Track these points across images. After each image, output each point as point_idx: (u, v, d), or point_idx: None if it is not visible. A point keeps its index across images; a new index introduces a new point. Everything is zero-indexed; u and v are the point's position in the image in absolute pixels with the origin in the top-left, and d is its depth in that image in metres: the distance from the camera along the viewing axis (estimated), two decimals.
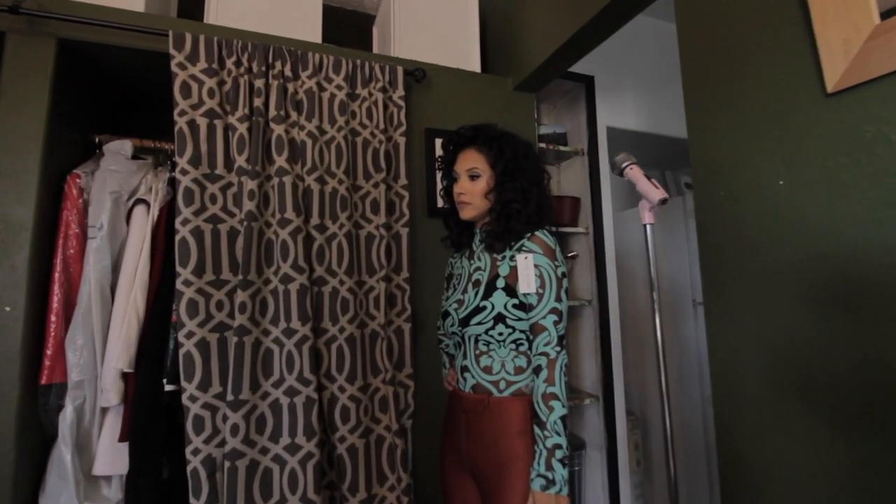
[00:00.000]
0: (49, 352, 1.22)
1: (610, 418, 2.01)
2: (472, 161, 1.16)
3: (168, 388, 1.25)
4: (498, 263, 1.13)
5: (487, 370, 1.09)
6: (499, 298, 1.08)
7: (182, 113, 1.27)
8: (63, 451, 1.19)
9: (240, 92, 1.33)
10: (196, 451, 1.19)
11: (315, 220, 1.37)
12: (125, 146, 1.38)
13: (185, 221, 1.24)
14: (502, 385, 1.08)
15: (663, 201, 0.96)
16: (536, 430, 1.00)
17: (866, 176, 0.74)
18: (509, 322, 1.07)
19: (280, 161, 1.33)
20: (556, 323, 1.04)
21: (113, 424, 1.24)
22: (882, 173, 0.72)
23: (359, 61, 1.51)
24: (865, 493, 0.73)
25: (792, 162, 0.86)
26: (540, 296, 1.05)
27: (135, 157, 1.42)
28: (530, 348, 1.08)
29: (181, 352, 1.20)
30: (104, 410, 1.25)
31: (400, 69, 1.55)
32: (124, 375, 1.24)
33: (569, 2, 1.49)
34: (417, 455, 1.47)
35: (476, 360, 1.11)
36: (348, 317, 1.36)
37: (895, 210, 0.71)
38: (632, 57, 2.36)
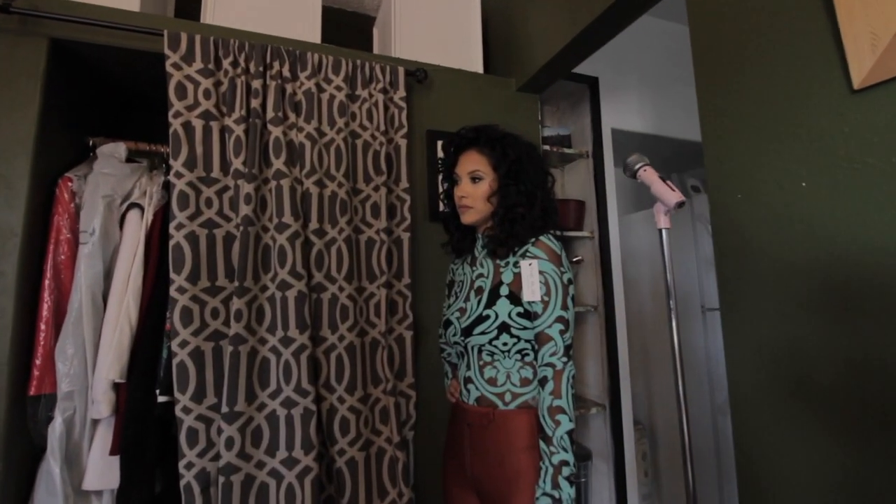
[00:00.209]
0: (38, 361, 1.18)
1: (617, 428, 1.96)
2: (474, 163, 1.12)
3: (161, 399, 1.21)
4: (501, 270, 1.08)
5: (492, 382, 1.05)
6: (503, 307, 1.04)
7: (177, 114, 1.23)
8: (52, 465, 1.15)
9: (236, 93, 1.29)
10: (189, 465, 1.14)
11: (314, 224, 1.33)
12: (119, 149, 1.35)
13: (180, 226, 1.20)
14: (508, 397, 1.03)
15: (680, 204, 0.91)
16: (542, 445, 0.95)
17: None
18: (514, 331, 1.03)
19: (278, 164, 1.29)
20: (562, 332, 1.00)
21: (104, 437, 1.20)
22: None
23: (359, 62, 1.47)
24: None
25: (815, 163, 0.81)
26: (545, 304, 1.00)
27: (129, 160, 1.38)
28: (536, 358, 1.03)
29: (174, 361, 1.16)
30: (95, 422, 1.21)
31: (401, 70, 1.52)
32: (116, 386, 1.20)
33: (572, 2, 1.46)
34: (419, 468, 1.42)
35: (480, 372, 1.07)
36: (348, 324, 1.31)
37: None
38: (637, 58, 2.32)
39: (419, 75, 1.56)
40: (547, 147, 2.06)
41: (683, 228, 2.31)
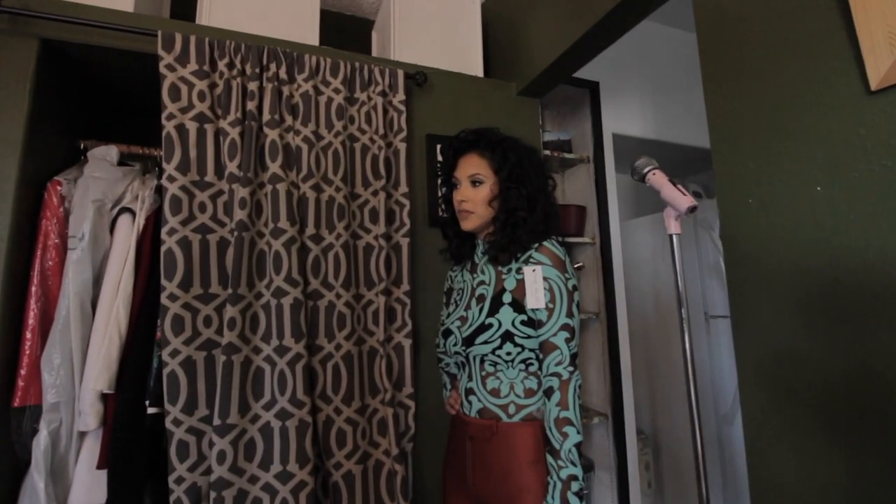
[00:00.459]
0: (23, 371, 1.14)
1: (619, 437, 1.92)
2: (474, 166, 1.09)
3: (151, 410, 1.16)
4: (503, 276, 1.05)
5: (495, 393, 1.01)
6: (506, 315, 1.00)
7: (170, 117, 1.20)
8: (36, 479, 1.11)
9: (232, 95, 1.26)
10: (180, 480, 1.10)
11: (310, 229, 1.29)
12: (111, 152, 1.31)
13: (172, 231, 1.16)
14: (511, 409, 0.99)
15: (692, 209, 0.88)
16: (549, 459, 0.91)
17: None
18: (518, 340, 0.99)
19: (274, 167, 1.26)
20: (567, 340, 0.96)
21: (91, 450, 1.16)
22: None
23: (357, 64, 1.44)
24: None
25: (831, 167, 0.78)
26: (550, 311, 0.97)
27: (122, 163, 1.35)
28: (540, 368, 0.99)
29: (165, 371, 1.12)
30: (82, 435, 1.17)
31: (400, 72, 1.49)
32: (104, 397, 1.16)
33: (573, 6, 1.44)
34: (418, 482, 1.38)
35: (482, 382, 1.03)
36: (345, 333, 1.28)
37: None
38: (637, 63, 2.31)
39: (419, 78, 1.54)
40: (547, 152, 2.04)
41: (686, 234, 2.28)
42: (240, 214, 1.20)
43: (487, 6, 1.94)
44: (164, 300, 1.13)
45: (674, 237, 0.91)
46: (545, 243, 1.02)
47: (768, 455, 0.87)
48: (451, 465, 1.10)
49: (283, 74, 1.33)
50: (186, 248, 1.17)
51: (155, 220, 1.26)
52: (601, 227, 2.04)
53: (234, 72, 1.28)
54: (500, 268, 1.06)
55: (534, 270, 0.98)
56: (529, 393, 0.99)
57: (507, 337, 0.99)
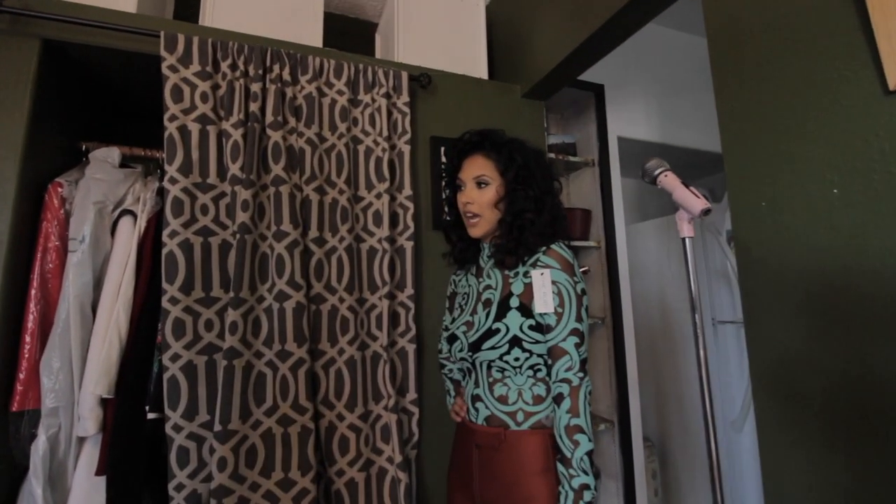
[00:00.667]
0: (22, 375, 1.12)
1: (626, 445, 1.89)
2: (479, 168, 1.07)
3: (151, 416, 1.14)
4: (510, 280, 1.03)
5: (503, 400, 0.99)
6: (513, 319, 0.98)
7: (172, 118, 1.19)
8: (34, 485, 1.09)
9: (235, 96, 1.25)
10: (180, 487, 1.08)
11: (313, 232, 1.28)
12: (112, 154, 1.30)
13: (174, 234, 1.15)
14: (520, 417, 0.97)
15: (706, 212, 0.86)
16: (560, 467, 0.89)
17: None
18: (526, 345, 0.97)
19: (277, 169, 1.25)
20: (577, 345, 0.94)
21: (90, 456, 1.14)
22: None
23: (361, 66, 1.43)
24: None
25: (847, 169, 0.76)
26: (559, 316, 0.95)
27: (123, 165, 1.34)
28: (549, 374, 0.97)
29: (165, 376, 1.10)
30: (81, 440, 1.15)
31: (404, 74, 1.48)
32: (103, 402, 1.14)
33: (578, 8, 1.43)
34: (422, 490, 1.35)
35: (489, 389, 1.01)
36: (348, 337, 1.26)
37: None
38: (642, 66, 2.30)
39: (423, 80, 1.52)
40: (552, 155, 2.02)
41: (696, 238, 2.26)
42: (242, 217, 1.18)
43: (492, 8, 1.93)
44: (164, 303, 1.11)
45: (686, 241, 0.89)
46: (553, 246, 1.00)
47: (783, 465, 0.84)
48: (456, 474, 1.07)
49: (286, 76, 1.32)
50: (188, 251, 1.16)
51: (156, 223, 1.25)
52: (606, 231, 2.02)
53: (237, 73, 1.27)
54: (506, 271, 1.04)
55: (542, 274, 0.96)
56: (538, 400, 0.97)
57: (515, 342, 0.97)
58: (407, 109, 1.47)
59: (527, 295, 0.99)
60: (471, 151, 1.10)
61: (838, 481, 0.75)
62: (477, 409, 1.02)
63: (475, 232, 1.07)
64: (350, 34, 2.10)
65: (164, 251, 1.13)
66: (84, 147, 1.33)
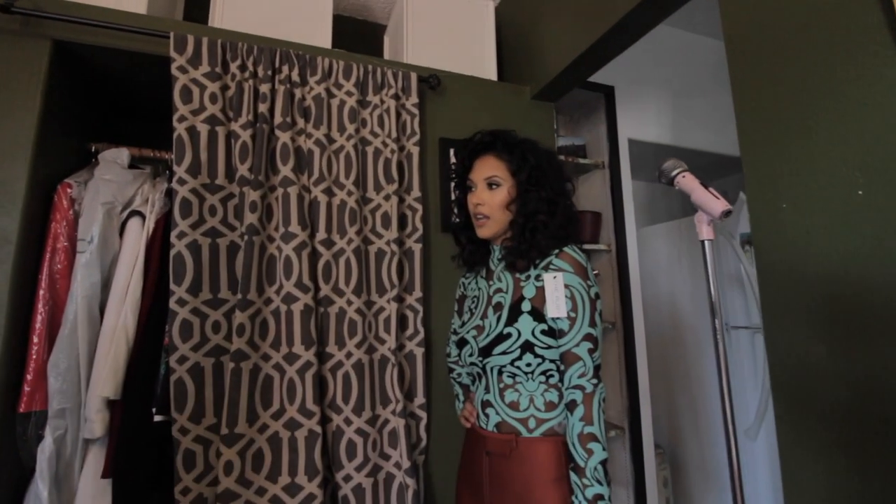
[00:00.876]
0: (29, 376, 1.11)
1: (637, 452, 1.85)
2: (490, 168, 1.05)
3: (157, 418, 1.13)
4: (522, 284, 1.01)
5: (514, 406, 0.96)
6: (525, 324, 0.96)
7: (181, 119, 1.18)
8: (40, 487, 1.08)
9: (244, 97, 1.24)
10: (186, 491, 1.07)
11: (321, 234, 1.27)
12: (121, 155, 1.30)
13: (182, 235, 1.14)
14: (531, 424, 0.94)
15: (727, 213, 0.84)
16: (573, 476, 0.87)
17: None
18: (538, 351, 0.95)
19: (285, 171, 1.24)
20: (590, 351, 0.92)
21: (96, 458, 1.13)
22: None
23: (370, 67, 1.42)
24: None
25: (872, 169, 0.74)
26: (572, 320, 0.93)
27: (132, 166, 1.33)
28: (561, 380, 0.95)
29: (172, 378, 1.09)
30: (87, 442, 1.14)
31: (413, 75, 1.47)
32: (110, 404, 1.13)
33: (588, 9, 1.42)
34: (430, 497, 1.33)
35: (500, 395, 0.98)
36: (356, 340, 1.24)
37: None
38: (653, 68, 2.27)
39: (432, 81, 1.51)
40: (561, 157, 2.00)
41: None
42: (250, 218, 1.18)
43: (501, 9, 1.92)
44: (172, 305, 1.11)
45: (706, 243, 0.87)
46: (566, 249, 0.98)
47: (804, 476, 0.81)
48: (465, 481, 1.05)
49: (295, 77, 1.31)
50: (196, 252, 1.15)
51: (165, 224, 1.24)
52: (617, 235, 1.99)
53: (246, 74, 1.26)
54: (517, 275, 1.02)
55: (554, 277, 0.94)
56: (550, 406, 0.95)
57: (527, 347, 0.94)
58: (416, 111, 1.45)
59: (539, 299, 0.97)
60: (482, 152, 1.08)
61: (862, 493, 0.72)
62: (487, 415, 1.00)
63: (483, 232, 1.06)
64: (358, 36, 2.09)
65: (172, 252, 1.12)
66: (93, 148, 1.34)
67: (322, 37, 1.52)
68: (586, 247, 1.98)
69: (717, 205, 0.83)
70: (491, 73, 1.75)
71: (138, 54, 1.26)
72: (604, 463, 0.85)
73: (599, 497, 0.83)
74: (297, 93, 1.31)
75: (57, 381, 1.11)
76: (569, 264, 0.96)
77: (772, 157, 0.88)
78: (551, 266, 0.97)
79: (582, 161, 2.07)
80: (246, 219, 1.18)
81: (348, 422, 1.20)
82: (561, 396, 0.95)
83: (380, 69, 1.43)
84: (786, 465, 0.84)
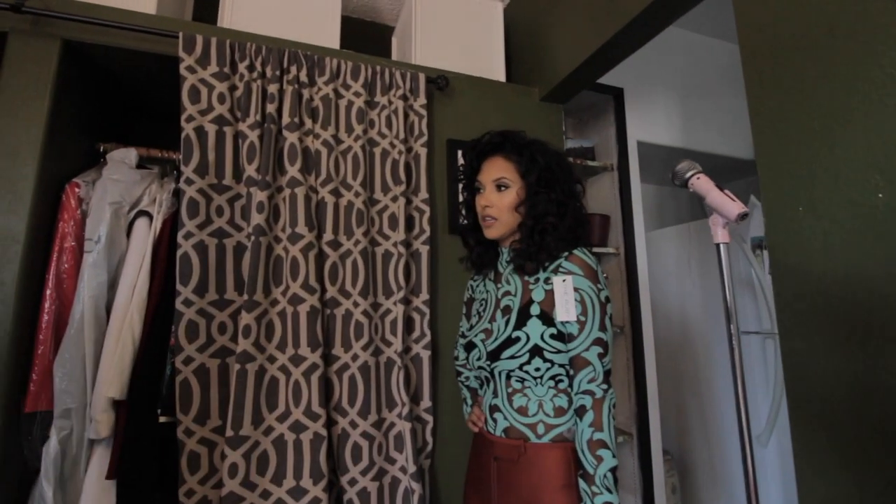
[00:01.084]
0: (35, 376, 1.11)
1: (645, 458, 1.83)
2: (499, 170, 1.04)
3: (162, 419, 1.13)
4: (531, 287, 0.99)
5: (522, 411, 0.95)
6: (534, 328, 0.94)
7: (189, 119, 1.18)
8: (45, 488, 1.08)
9: (252, 97, 1.24)
10: (190, 493, 1.06)
11: (328, 235, 1.26)
12: (130, 154, 1.29)
13: (189, 235, 1.14)
14: (540, 429, 0.93)
15: (743, 216, 0.82)
16: (582, 484, 0.85)
17: None
18: (547, 355, 0.93)
19: (292, 171, 1.23)
20: (601, 356, 0.90)
21: (101, 459, 1.13)
22: None
23: (378, 68, 1.41)
24: None
25: (893, 171, 0.72)
26: (581, 324, 0.91)
27: (140, 166, 1.33)
28: (571, 385, 0.93)
29: (178, 379, 1.08)
30: (92, 443, 1.14)
31: (422, 76, 1.46)
32: (115, 404, 1.12)
33: (597, 11, 1.41)
34: (436, 501, 1.31)
35: (509, 400, 0.97)
36: (362, 343, 1.23)
37: None
38: (662, 70, 2.25)
39: (440, 83, 1.50)
40: (569, 159, 1.98)
41: (710, 245, 2.20)
42: (257, 219, 1.17)
43: (510, 10, 1.91)
44: (178, 305, 1.10)
45: (721, 246, 0.85)
46: (575, 252, 0.96)
47: (820, 486, 0.79)
48: (473, 487, 1.03)
49: (303, 77, 1.31)
50: (202, 253, 1.15)
51: (172, 224, 1.24)
52: (626, 238, 1.97)
53: (255, 74, 1.26)
54: (526, 277, 1.01)
55: (564, 281, 0.92)
56: (560, 412, 0.93)
57: (536, 351, 0.93)
58: (424, 112, 1.44)
59: (548, 302, 0.95)
60: (491, 153, 1.07)
61: None
62: (495, 420, 0.98)
63: (491, 233, 1.04)
64: (366, 38, 2.09)
65: (179, 252, 1.12)
66: (101, 148, 1.34)
67: (330, 37, 1.52)
68: (595, 250, 1.96)
69: (734, 207, 0.81)
70: (499, 74, 1.74)
71: (147, 54, 1.26)
72: (613, 470, 0.83)
73: None
74: (305, 93, 1.31)
75: (62, 382, 1.10)
76: (578, 267, 0.94)
77: (788, 159, 0.86)
78: (560, 269, 0.95)
79: (590, 163, 2.05)
80: (253, 219, 1.17)
81: (354, 425, 1.19)
82: (570, 402, 0.93)
83: (388, 70, 1.42)
84: (801, 475, 0.82)
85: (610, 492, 0.82)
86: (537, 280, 0.99)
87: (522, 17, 1.88)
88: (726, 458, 2.02)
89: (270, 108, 1.24)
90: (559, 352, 0.93)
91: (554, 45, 1.65)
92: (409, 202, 1.40)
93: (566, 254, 0.96)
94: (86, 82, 1.33)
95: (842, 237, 0.78)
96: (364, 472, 1.18)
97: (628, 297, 1.93)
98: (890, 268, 0.71)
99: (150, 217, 1.25)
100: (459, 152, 1.52)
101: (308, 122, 1.30)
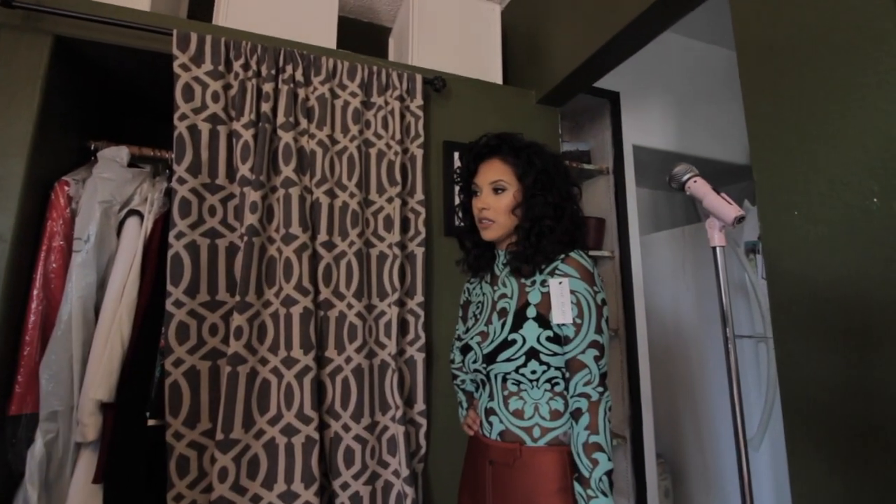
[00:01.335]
0: (20, 378, 1.09)
1: (638, 462, 1.83)
2: (496, 172, 1.03)
3: (151, 422, 1.11)
4: (527, 289, 0.99)
5: (518, 414, 0.94)
6: (530, 330, 0.93)
7: (183, 117, 1.16)
8: (30, 492, 1.06)
9: (246, 96, 1.22)
10: (179, 497, 1.04)
11: (323, 236, 1.25)
12: (121, 153, 1.28)
13: (180, 235, 1.12)
14: (536, 432, 0.92)
15: (740, 219, 0.82)
16: (577, 487, 0.84)
17: None
18: (543, 358, 0.92)
19: (287, 171, 1.22)
20: (596, 358, 0.89)
21: (87, 463, 1.10)
22: None
23: (375, 68, 1.41)
24: None
25: (889, 177, 0.72)
26: (578, 327, 0.90)
27: (132, 165, 1.31)
28: (567, 388, 0.93)
29: (167, 381, 1.06)
30: (79, 446, 1.12)
31: (419, 77, 1.45)
32: (103, 407, 1.10)
33: (595, 15, 1.41)
34: None
35: (504, 403, 0.96)
36: (356, 345, 1.22)
37: None
38: (658, 75, 2.27)
39: (437, 84, 1.50)
40: (566, 162, 1.99)
41: (704, 249, 2.21)
42: (250, 219, 1.16)
43: (507, 13, 1.91)
44: (169, 306, 1.08)
45: (718, 250, 0.85)
46: (572, 254, 0.96)
47: (815, 490, 0.79)
48: (468, 491, 1.02)
49: (298, 76, 1.30)
50: (194, 253, 1.13)
51: (163, 224, 1.22)
52: (620, 241, 1.98)
53: (250, 73, 1.25)
54: (522, 280, 1.00)
55: (560, 283, 0.92)
56: (556, 415, 0.92)
57: (532, 354, 0.92)
58: (420, 113, 1.44)
59: (544, 305, 0.94)
60: (488, 155, 1.06)
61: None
62: (491, 424, 0.97)
63: (488, 234, 1.04)
64: (363, 38, 2.08)
65: (170, 253, 1.10)
66: (92, 146, 1.32)
67: (327, 37, 1.51)
68: (590, 253, 1.96)
69: (730, 210, 0.81)
70: (496, 76, 1.74)
71: (140, 51, 1.25)
72: (609, 474, 0.83)
73: None
74: (301, 93, 1.30)
75: (49, 383, 1.08)
76: (575, 269, 0.94)
77: (784, 164, 0.86)
78: (557, 271, 0.95)
79: (586, 167, 2.05)
80: (246, 220, 1.16)
81: (347, 428, 1.18)
82: (566, 405, 0.93)
83: (385, 70, 1.42)
84: (795, 478, 0.82)
85: (606, 495, 0.81)
86: (534, 282, 0.98)
87: (520, 20, 1.88)
88: (719, 462, 2.02)
89: (265, 107, 1.23)
90: (555, 354, 0.92)
91: (551, 48, 1.65)
92: (404, 204, 1.39)
93: (563, 256, 0.96)
94: (77, 79, 1.31)
95: (837, 242, 0.78)
96: (356, 476, 1.16)
97: (623, 301, 1.93)
98: (885, 272, 0.72)
99: (141, 216, 1.23)
100: (456, 154, 1.52)
101: (303, 122, 1.28)
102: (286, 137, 1.24)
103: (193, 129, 1.17)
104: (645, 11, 1.22)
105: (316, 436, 1.13)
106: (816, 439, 0.79)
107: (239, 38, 1.28)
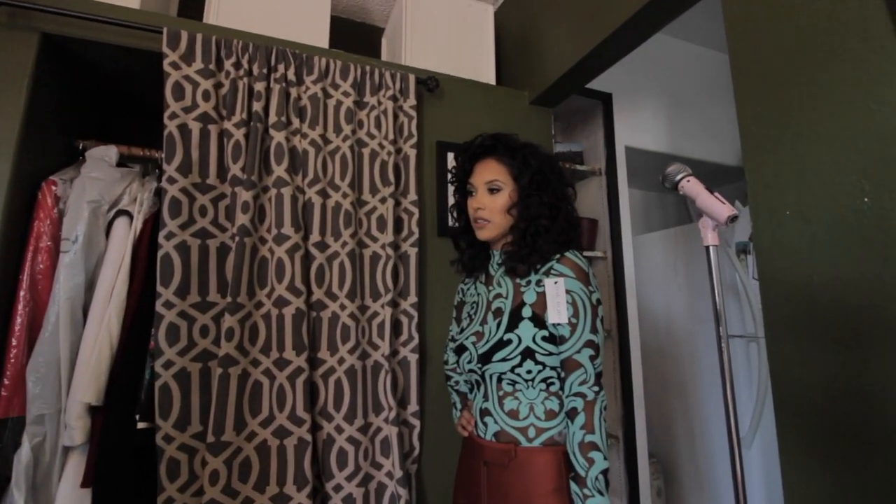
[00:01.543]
0: (7, 381, 1.07)
1: (631, 461, 1.83)
2: (492, 172, 1.03)
3: (140, 425, 1.09)
4: (522, 289, 0.99)
5: (513, 415, 0.94)
6: (526, 330, 0.93)
7: (173, 116, 1.15)
8: (16, 497, 1.04)
9: (238, 95, 1.21)
10: (169, 501, 1.03)
11: (315, 236, 1.24)
12: (110, 152, 1.26)
13: (170, 235, 1.10)
14: (531, 432, 0.92)
15: (733, 219, 0.82)
16: (574, 487, 0.84)
17: None
18: (539, 357, 0.92)
19: (279, 171, 1.21)
20: (592, 358, 0.90)
21: (76, 466, 1.09)
22: None
23: (368, 68, 1.40)
24: None
25: (879, 176, 0.73)
26: (573, 326, 0.90)
27: (121, 164, 1.30)
28: (562, 388, 0.93)
29: (157, 384, 1.05)
30: (66, 450, 1.10)
31: (412, 77, 1.45)
32: (91, 410, 1.08)
33: (588, 16, 1.42)
34: None
35: (499, 403, 0.96)
36: (349, 346, 1.21)
37: None
38: (651, 76, 2.28)
39: (430, 84, 1.49)
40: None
41: (699, 251, 2.22)
42: (242, 219, 1.14)
43: (501, 14, 1.92)
44: (159, 308, 1.07)
45: (711, 249, 0.85)
46: (567, 254, 0.96)
47: (806, 488, 0.80)
48: (463, 491, 1.02)
49: (291, 76, 1.29)
50: (185, 254, 1.11)
51: (153, 224, 1.21)
52: (613, 242, 1.98)
53: (241, 72, 1.24)
54: (517, 280, 1.00)
55: (555, 283, 0.92)
56: (551, 415, 0.92)
57: (527, 354, 0.92)
58: (413, 113, 1.43)
59: (539, 305, 0.94)
60: (483, 155, 1.06)
61: None
62: (486, 424, 0.97)
63: (483, 235, 1.04)
64: (356, 38, 2.07)
65: (160, 253, 1.09)
66: (81, 145, 1.30)
67: (319, 36, 1.50)
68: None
69: (723, 210, 0.81)
70: (489, 77, 1.74)
71: (130, 49, 1.23)
72: (605, 472, 0.83)
73: None
74: (293, 92, 1.29)
75: (36, 386, 1.06)
76: (570, 269, 0.94)
77: (775, 164, 0.87)
78: (552, 271, 0.95)
79: (579, 167, 2.06)
80: (237, 220, 1.15)
81: (339, 430, 1.17)
82: (562, 405, 0.93)
83: (378, 70, 1.41)
84: (787, 477, 0.82)
85: (602, 494, 0.81)
86: (529, 282, 0.98)
87: (513, 21, 1.88)
88: (711, 461, 2.04)
89: (257, 106, 1.22)
90: (551, 354, 0.92)
91: (544, 49, 1.66)
92: (397, 204, 1.38)
93: (558, 256, 0.96)
94: (65, 77, 1.29)
95: (829, 242, 0.78)
96: (350, 478, 1.15)
97: (615, 301, 1.94)
98: (876, 272, 0.72)
99: (131, 216, 1.21)
100: (449, 154, 1.52)
101: (295, 122, 1.28)
102: (278, 137, 1.23)
103: (184, 128, 1.16)
104: (637, 13, 1.23)
105: (308, 437, 1.12)
106: (808, 438, 0.80)
107: (230, 36, 1.27)
